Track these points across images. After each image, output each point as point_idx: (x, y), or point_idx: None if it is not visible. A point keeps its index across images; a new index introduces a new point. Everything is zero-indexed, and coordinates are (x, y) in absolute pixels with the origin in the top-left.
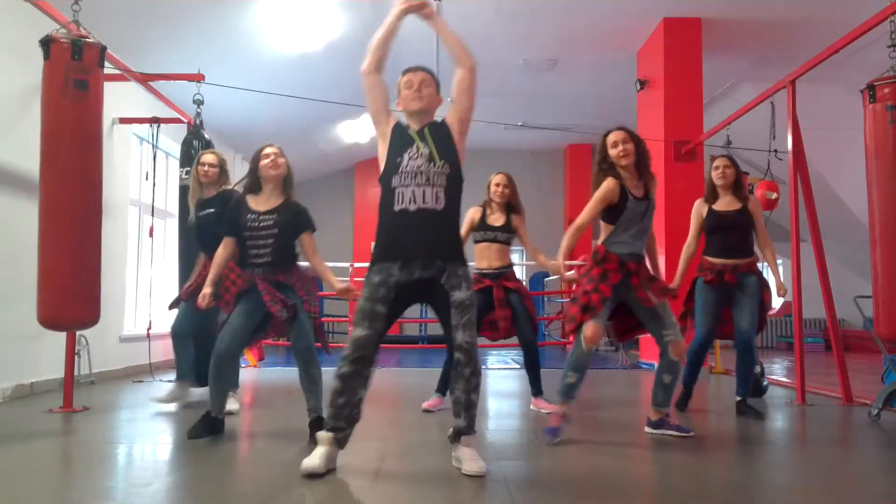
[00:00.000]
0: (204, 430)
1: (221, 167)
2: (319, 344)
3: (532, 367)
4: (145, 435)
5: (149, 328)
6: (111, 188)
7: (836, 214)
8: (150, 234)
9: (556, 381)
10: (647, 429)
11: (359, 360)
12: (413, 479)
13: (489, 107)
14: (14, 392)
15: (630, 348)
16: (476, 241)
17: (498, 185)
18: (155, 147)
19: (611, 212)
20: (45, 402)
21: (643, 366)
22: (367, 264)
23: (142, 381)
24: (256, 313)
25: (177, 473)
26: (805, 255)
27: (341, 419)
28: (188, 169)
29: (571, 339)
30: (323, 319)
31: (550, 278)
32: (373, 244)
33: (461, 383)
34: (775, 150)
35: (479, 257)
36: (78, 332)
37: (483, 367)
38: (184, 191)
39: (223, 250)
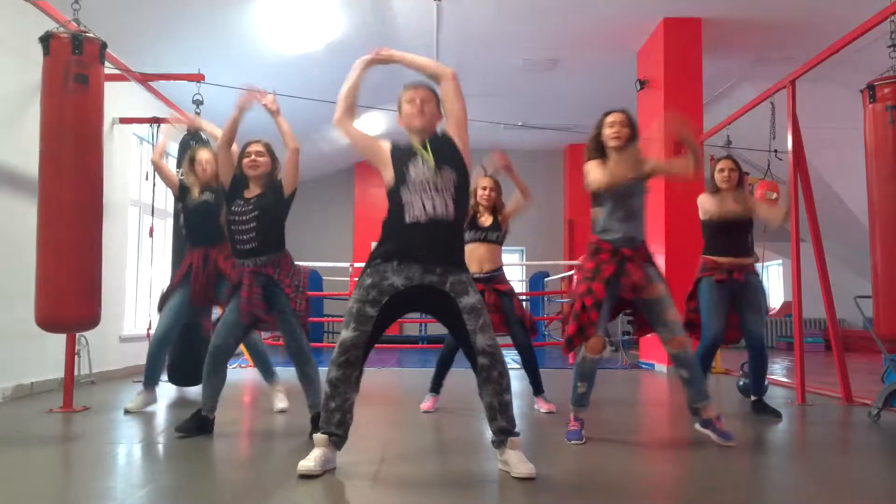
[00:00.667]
0: (192, 429)
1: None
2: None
3: (530, 368)
4: (145, 435)
5: (149, 328)
6: (111, 188)
7: (836, 214)
8: (150, 234)
9: (557, 380)
10: (696, 426)
11: (346, 364)
12: (413, 480)
13: (489, 107)
14: (14, 392)
15: (630, 348)
16: (466, 242)
17: (485, 188)
18: (155, 147)
19: (596, 194)
20: (45, 402)
21: (643, 366)
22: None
23: (141, 381)
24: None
25: (176, 473)
26: (805, 255)
27: (333, 424)
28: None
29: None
30: (323, 319)
31: (550, 278)
32: (373, 244)
33: (491, 387)
34: (775, 150)
35: (470, 259)
36: (76, 333)
37: None
38: (181, 191)
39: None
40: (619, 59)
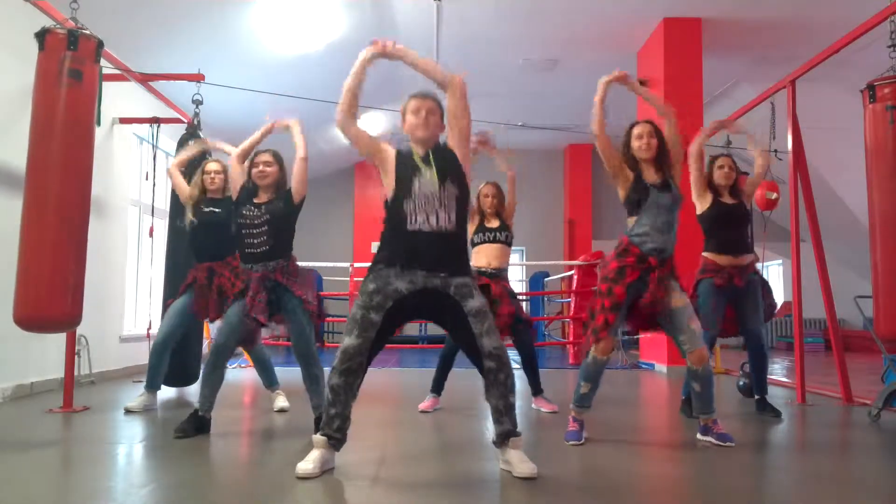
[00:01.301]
0: (190, 429)
1: (226, 173)
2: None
3: (530, 368)
4: (145, 435)
5: (149, 328)
6: (111, 188)
7: (836, 214)
8: (150, 234)
9: (557, 380)
10: (697, 435)
11: (347, 372)
12: (413, 480)
13: (489, 107)
14: (14, 392)
15: (630, 348)
16: (475, 244)
17: (487, 195)
18: (155, 147)
19: (630, 202)
20: (45, 402)
21: (643, 366)
22: (367, 265)
23: (141, 381)
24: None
25: (176, 473)
26: (805, 255)
27: (333, 429)
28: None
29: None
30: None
31: (550, 278)
32: (374, 244)
33: (497, 390)
34: (775, 150)
35: (478, 256)
36: (78, 332)
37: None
38: (183, 205)
39: None
40: (619, 59)
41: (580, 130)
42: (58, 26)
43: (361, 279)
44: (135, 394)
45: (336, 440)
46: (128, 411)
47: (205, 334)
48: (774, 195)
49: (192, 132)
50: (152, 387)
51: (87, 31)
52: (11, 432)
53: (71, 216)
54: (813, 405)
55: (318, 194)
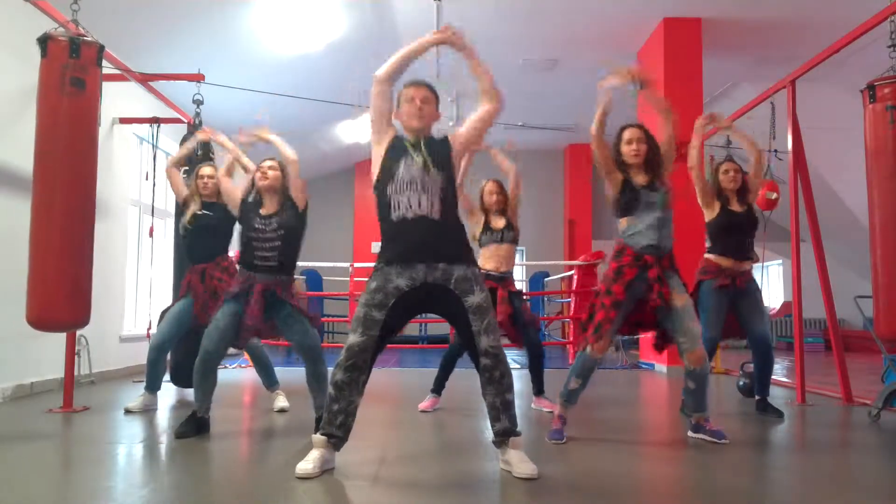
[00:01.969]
0: (191, 430)
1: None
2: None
3: (536, 368)
4: (145, 435)
5: (149, 328)
6: (111, 188)
7: (836, 214)
8: (150, 234)
9: (557, 381)
10: (688, 433)
11: (352, 368)
12: (413, 480)
13: None
14: (14, 392)
15: (630, 348)
16: (483, 245)
17: (492, 193)
18: (155, 147)
19: (619, 204)
20: (45, 402)
21: (643, 366)
22: (366, 264)
23: (141, 381)
24: (244, 315)
25: (176, 473)
26: (805, 255)
27: (335, 426)
28: (186, 168)
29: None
30: (323, 319)
31: (550, 278)
32: (374, 244)
33: (493, 388)
34: (775, 150)
35: (487, 258)
36: (78, 332)
37: None
38: (182, 206)
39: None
40: (619, 59)
41: (580, 130)
42: (59, 31)
43: (361, 279)
44: (135, 394)
45: (337, 438)
46: (128, 411)
47: None
48: (774, 195)
49: (192, 133)
50: (152, 388)
51: (89, 38)
52: (11, 432)
53: (78, 222)
54: (813, 405)
55: (318, 194)
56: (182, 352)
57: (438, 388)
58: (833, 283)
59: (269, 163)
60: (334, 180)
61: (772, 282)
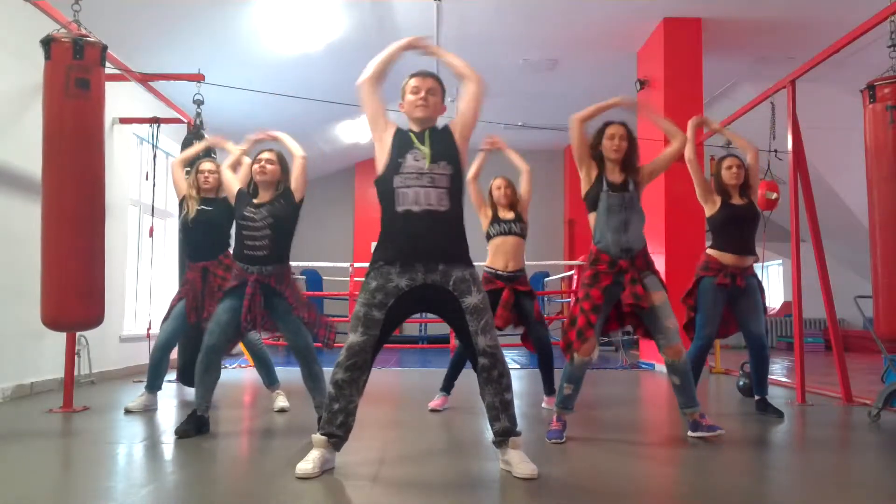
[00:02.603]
0: (191, 428)
1: (220, 174)
2: (319, 343)
3: (546, 367)
4: (145, 435)
5: (149, 328)
6: (111, 188)
7: (836, 214)
8: (150, 234)
9: (557, 380)
10: (688, 433)
11: (353, 367)
12: (413, 480)
13: (489, 107)
14: (14, 392)
15: (630, 348)
16: (491, 237)
17: (499, 187)
18: (155, 147)
19: (588, 198)
20: (45, 402)
21: (643, 366)
22: (366, 265)
23: (141, 381)
24: (242, 308)
25: (176, 473)
26: (805, 255)
27: (335, 426)
28: (188, 170)
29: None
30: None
31: (550, 278)
32: (373, 244)
33: (491, 387)
34: (775, 150)
35: (495, 254)
36: (78, 332)
37: None
38: (182, 203)
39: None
40: (619, 59)
41: None
42: (62, 31)
43: (361, 279)
44: (135, 394)
45: (337, 438)
46: (128, 411)
47: None
48: (774, 195)
49: (196, 133)
50: (153, 388)
51: (91, 38)
52: (11, 432)
53: (88, 222)
54: (813, 405)
55: (318, 194)
56: (191, 351)
57: (448, 386)
58: (833, 283)
59: (266, 155)
60: (334, 180)
61: (772, 282)
